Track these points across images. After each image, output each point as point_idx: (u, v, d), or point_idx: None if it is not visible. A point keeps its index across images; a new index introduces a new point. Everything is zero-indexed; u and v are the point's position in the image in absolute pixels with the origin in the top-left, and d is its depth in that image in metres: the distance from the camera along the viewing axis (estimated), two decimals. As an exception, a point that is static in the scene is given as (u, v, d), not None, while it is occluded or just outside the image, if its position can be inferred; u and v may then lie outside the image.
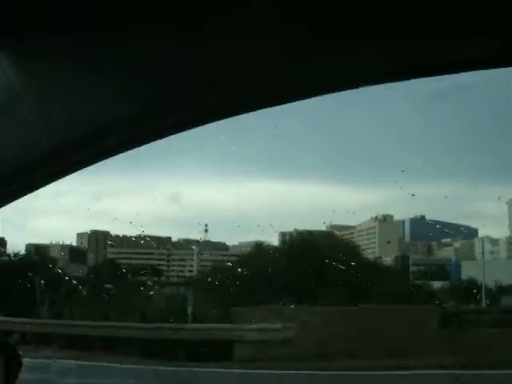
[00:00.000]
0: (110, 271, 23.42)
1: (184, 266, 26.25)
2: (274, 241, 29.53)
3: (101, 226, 28.45)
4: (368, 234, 27.70)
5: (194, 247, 26.19)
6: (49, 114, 0.99)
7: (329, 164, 30.99)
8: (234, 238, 31.74)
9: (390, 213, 28.08)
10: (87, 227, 28.67)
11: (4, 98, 1.00)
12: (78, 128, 0.99)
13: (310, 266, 17.64)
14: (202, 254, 26.19)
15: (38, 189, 1.09)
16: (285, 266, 19.59)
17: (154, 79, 0.95)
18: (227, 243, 29.10)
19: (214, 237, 28.36)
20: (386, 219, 27.83)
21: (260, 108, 1.03)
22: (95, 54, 0.95)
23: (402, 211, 28.11)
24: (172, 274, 25.95)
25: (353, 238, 27.79)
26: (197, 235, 29.30)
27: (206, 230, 26.50)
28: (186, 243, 28.05)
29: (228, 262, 26.27)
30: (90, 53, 0.95)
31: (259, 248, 23.70)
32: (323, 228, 28.35)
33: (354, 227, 29.17)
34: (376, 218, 27.71)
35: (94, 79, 0.97)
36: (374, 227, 27.62)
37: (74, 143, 1.00)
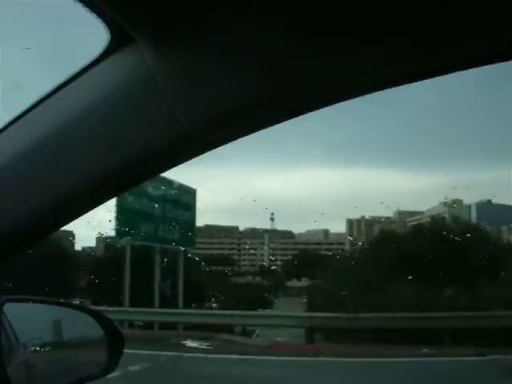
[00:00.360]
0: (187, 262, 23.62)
1: (255, 254, 26.44)
2: (341, 228, 29.48)
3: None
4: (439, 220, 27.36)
5: (265, 236, 26.31)
6: (187, 100, 1.02)
7: (391, 149, 30.69)
8: (300, 225, 31.64)
9: (454, 197, 27.74)
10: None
11: (144, 85, 1.03)
12: (209, 113, 1.02)
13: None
14: (271, 243, 26.30)
15: (162, 172, 1.14)
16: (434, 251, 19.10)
17: (273, 71, 0.99)
18: (293, 231, 29.17)
19: (279, 225, 28.46)
20: (455, 203, 27.50)
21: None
22: (229, 42, 0.97)
23: (465, 195, 27.73)
24: (244, 263, 26.16)
25: (422, 223, 27.56)
26: (261, 224, 29.38)
27: (272, 219, 26.61)
28: (253, 232, 28.22)
29: (296, 249, 26.38)
30: (225, 42, 0.97)
31: (386, 235, 23.38)
32: (390, 214, 28.19)
33: (422, 212, 28.91)
34: (446, 202, 27.40)
35: (225, 68, 0.99)
36: (444, 212, 27.30)
37: (207, 128, 1.04)
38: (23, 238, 1.15)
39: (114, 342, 1.55)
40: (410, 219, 28.73)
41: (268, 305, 19.71)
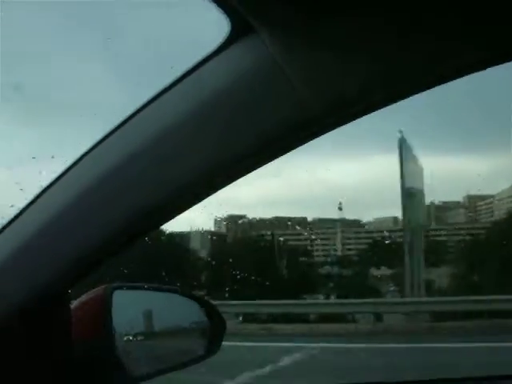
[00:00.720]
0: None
1: (327, 245, 26.23)
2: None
3: (233, 211, 28.71)
4: (510, 203, 26.75)
5: (337, 225, 26.09)
6: (314, 82, 1.03)
7: (455, 134, 30.12)
8: (367, 214, 31.33)
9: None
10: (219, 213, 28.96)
11: (268, 73, 1.04)
12: (331, 97, 1.03)
13: None
14: (344, 232, 26.10)
15: (275, 158, 1.13)
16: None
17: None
18: (361, 220, 28.86)
19: (346, 214, 28.11)
20: (528, 185, 26.79)
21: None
22: (350, 28, 0.99)
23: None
24: (317, 253, 25.97)
25: (492, 207, 27.03)
26: (329, 214, 29.13)
27: (340, 208, 26.31)
28: (322, 222, 28.00)
29: (369, 238, 26.12)
30: (346, 27, 0.99)
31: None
32: (459, 199, 27.66)
33: (492, 196, 28.27)
34: (518, 184, 26.70)
35: (345, 52, 1.01)
36: (516, 194, 26.64)
37: (328, 111, 1.05)
38: (133, 233, 1.19)
39: (216, 325, 1.58)
40: (481, 203, 28.13)
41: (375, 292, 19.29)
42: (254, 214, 28.03)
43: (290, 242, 25.61)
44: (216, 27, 1.09)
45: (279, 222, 27.51)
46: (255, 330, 13.24)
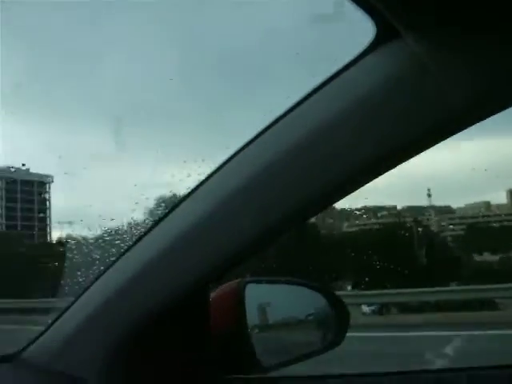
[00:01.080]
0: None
1: (421, 232, 25.62)
2: (502, 199, 28.02)
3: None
4: None
5: (431, 212, 25.50)
6: (460, 83, 1.03)
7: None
8: (456, 200, 30.32)
9: None
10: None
11: (413, 73, 1.05)
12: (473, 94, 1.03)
13: None
14: (440, 220, 25.46)
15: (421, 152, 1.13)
16: None
17: None
18: (452, 206, 27.99)
19: (435, 201, 27.26)
20: None
21: None
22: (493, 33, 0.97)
23: None
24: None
25: None
26: (417, 201, 28.48)
27: (429, 195, 25.63)
28: (411, 210, 27.37)
29: (463, 224, 25.31)
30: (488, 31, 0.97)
31: None
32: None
33: None
34: None
35: (488, 53, 1.00)
36: None
37: (470, 108, 1.06)
38: (274, 233, 1.21)
39: (341, 317, 1.58)
40: None
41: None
42: (341, 204, 27.68)
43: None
44: (360, 32, 1.11)
45: (368, 212, 27.12)
46: (391, 321, 12.77)
